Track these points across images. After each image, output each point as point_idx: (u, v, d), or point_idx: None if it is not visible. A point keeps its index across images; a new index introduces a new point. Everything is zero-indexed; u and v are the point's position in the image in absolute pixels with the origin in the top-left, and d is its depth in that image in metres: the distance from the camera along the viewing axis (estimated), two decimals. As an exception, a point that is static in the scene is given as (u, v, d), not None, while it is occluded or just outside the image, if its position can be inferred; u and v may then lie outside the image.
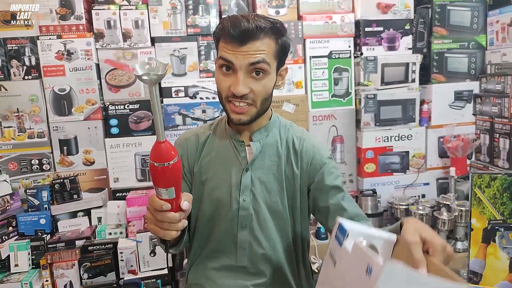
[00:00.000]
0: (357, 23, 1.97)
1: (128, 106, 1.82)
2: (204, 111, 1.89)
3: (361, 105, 2.00)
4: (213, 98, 1.88)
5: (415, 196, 2.05)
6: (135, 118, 1.83)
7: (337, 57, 1.99)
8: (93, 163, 1.82)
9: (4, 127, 1.75)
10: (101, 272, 1.55)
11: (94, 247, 1.58)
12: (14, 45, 1.73)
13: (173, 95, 1.87)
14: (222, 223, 0.92)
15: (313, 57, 1.97)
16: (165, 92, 1.86)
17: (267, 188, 0.91)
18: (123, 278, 1.58)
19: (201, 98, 1.89)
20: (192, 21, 1.86)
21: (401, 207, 1.89)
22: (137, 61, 1.81)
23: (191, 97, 1.88)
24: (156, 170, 0.64)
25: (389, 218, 2.04)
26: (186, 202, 0.69)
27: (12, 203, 1.70)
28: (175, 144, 0.97)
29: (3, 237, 1.62)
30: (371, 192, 1.97)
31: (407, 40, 2.00)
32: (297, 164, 0.93)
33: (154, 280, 1.59)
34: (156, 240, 1.55)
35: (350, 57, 2.00)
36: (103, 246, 1.59)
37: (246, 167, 0.90)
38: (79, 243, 1.61)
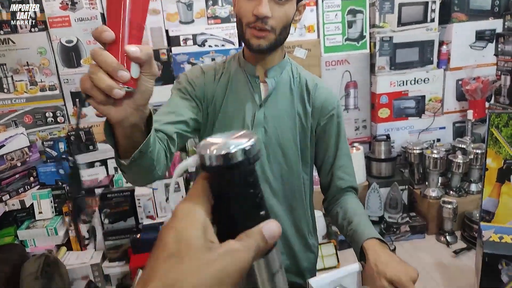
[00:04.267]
0: (373, -41, 1.84)
1: (136, 56, 1.79)
2: (213, 59, 1.85)
3: (375, 48, 1.92)
4: (222, 45, 1.83)
5: (430, 141, 2.02)
6: (145, 68, 1.81)
7: (351, -3, 1.88)
8: (106, 114, 1.84)
9: (16, 80, 1.76)
10: (121, 218, 1.62)
11: (113, 195, 1.64)
12: (18, -4, 1.70)
13: (181, 44, 1.83)
14: None
15: (326, -2, 1.87)
16: (173, 41, 1.82)
17: (279, 125, 0.90)
18: (142, 223, 1.65)
19: (210, 46, 1.84)
20: (197, -37, 1.77)
21: (415, 151, 1.86)
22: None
23: (199, 45, 1.84)
24: None
25: (402, 163, 2.03)
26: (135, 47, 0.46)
27: (31, 155, 1.75)
28: (190, 72, 0.95)
29: (25, 186, 1.69)
30: (385, 137, 1.95)
31: (427, -24, 1.87)
32: (309, 102, 0.92)
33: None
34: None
35: (364, -4, 1.89)
36: (121, 194, 1.64)
37: (260, 104, 0.90)
38: (98, 191, 1.66)
